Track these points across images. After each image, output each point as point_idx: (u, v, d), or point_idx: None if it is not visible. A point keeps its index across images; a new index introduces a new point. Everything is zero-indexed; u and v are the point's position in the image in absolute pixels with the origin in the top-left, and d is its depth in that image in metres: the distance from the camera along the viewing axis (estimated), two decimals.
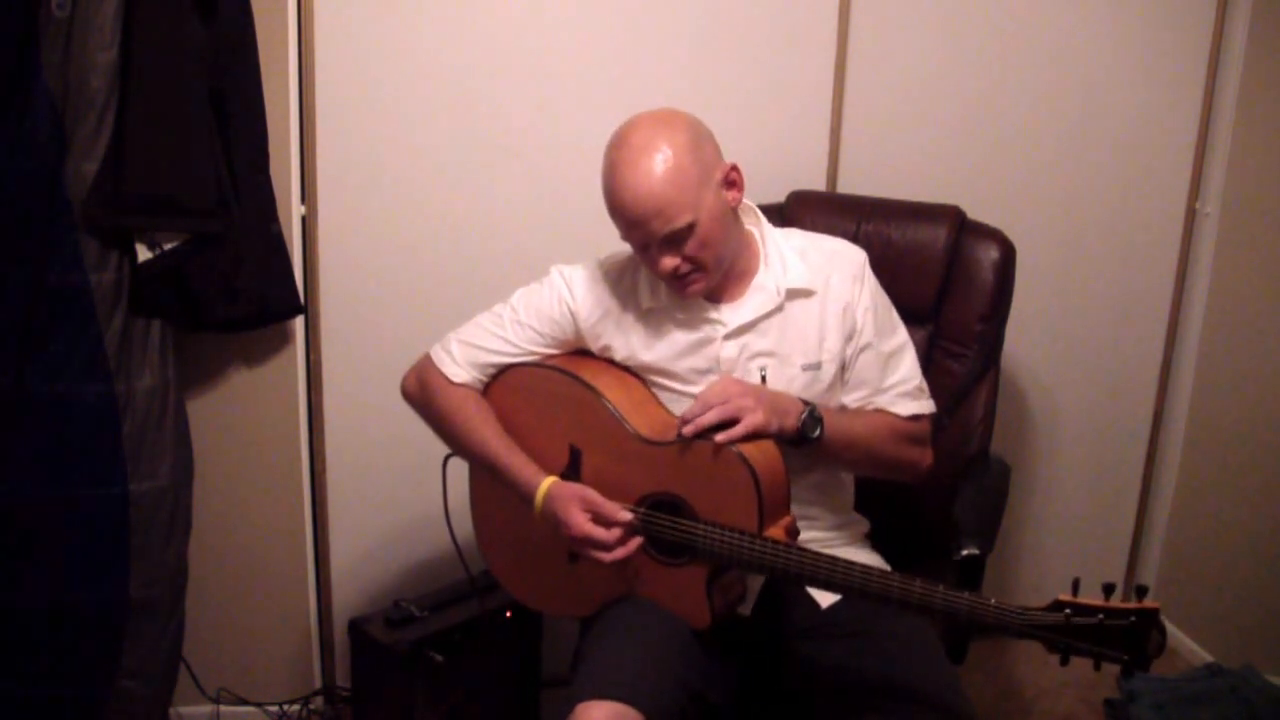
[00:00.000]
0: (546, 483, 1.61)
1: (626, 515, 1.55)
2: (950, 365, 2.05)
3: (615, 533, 1.55)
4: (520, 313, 1.70)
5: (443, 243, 2.20)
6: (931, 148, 2.34)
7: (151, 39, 1.78)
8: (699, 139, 1.55)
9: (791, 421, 1.54)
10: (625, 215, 1.53)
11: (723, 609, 1.58)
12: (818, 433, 1.56)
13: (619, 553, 1.55)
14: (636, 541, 1.56)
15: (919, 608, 1.42)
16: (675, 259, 1.54)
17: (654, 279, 1.64)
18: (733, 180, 1.59)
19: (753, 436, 1.50)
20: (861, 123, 2.30)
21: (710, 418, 1.50)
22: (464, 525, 1.83)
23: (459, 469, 1.79)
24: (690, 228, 1.52)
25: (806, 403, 1.57)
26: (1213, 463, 2.51)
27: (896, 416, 1.66)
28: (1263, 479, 2.37)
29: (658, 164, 1.50)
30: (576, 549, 1.58)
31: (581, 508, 1.56)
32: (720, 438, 1.49)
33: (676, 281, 1.58)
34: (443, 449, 1.76)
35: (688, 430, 1.52)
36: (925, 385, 1.71)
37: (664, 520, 1.56)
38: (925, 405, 1.70)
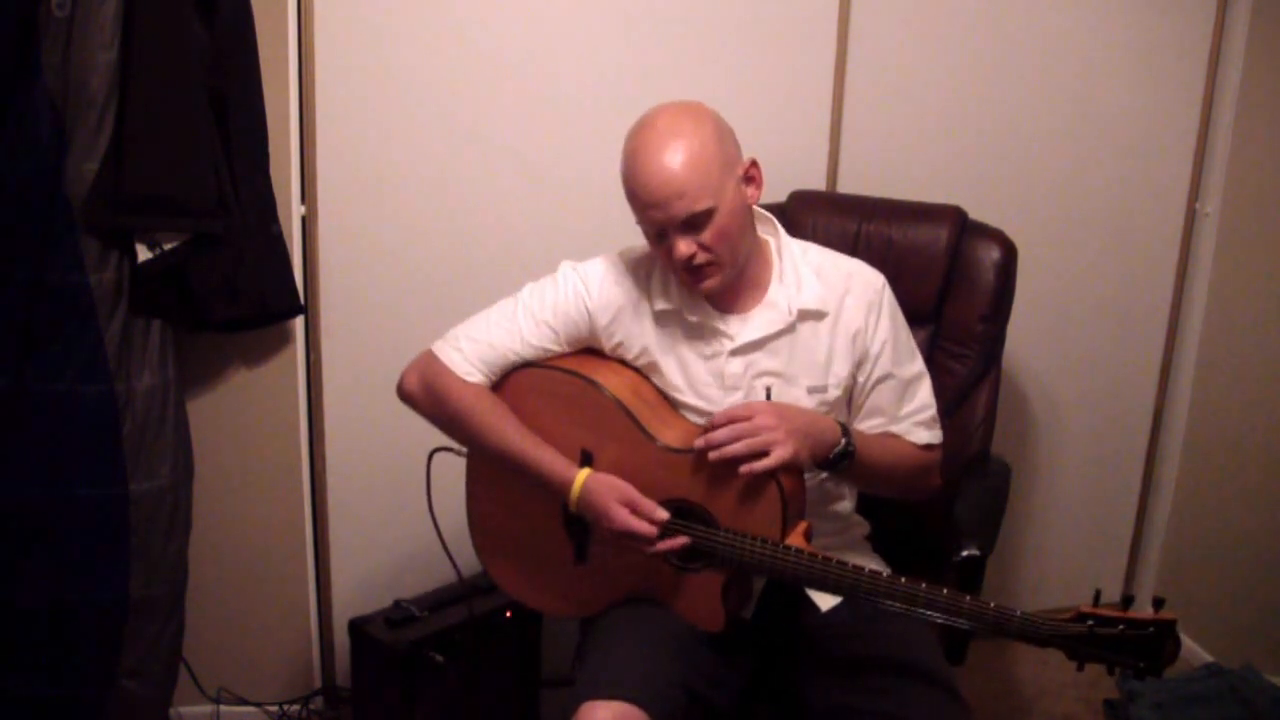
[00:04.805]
0: (583, 475, 1.58)
1: (664, 513, 1.54)
2: (951, 365, 2.05)
3: (655, 528, 1.54)
4: (535, 309, 1.66)
5: (443, 243, 2.20)
6: (931, 148, 2.34)
7: (151, 39, 1.77)
8: (722, 131, 1.55)
9: (823, 453, 1.54)
10: (646, 196, 1.51)
11: (734, 612, 1.58)
12: (844, 465, 1.56)
13: (661, 546, 1.53)
14: (683, 540, 1.54)
15: (945, 616, 1.43)
16: (692, 245, 1.52)
17: (668, 279, 1.63)
18: (752, 176, 1.58)
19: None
20: (861, 123, 2.29)
21: (738, 449, 1.48)
22: (462, 525, 1.84)
23: (451, 465, 1.78)
24: (710, 213, 1.51)
25: (845, 434, 1.56)
26: (1213, 463, 2.51)
27: (913, 445, 1.66)
28: (1263, 479, 2.37)
29: (682, 147, 1.50)
30: (615, 542, 1.56)
31: (621, 501, 1.54)
32: (744, 469, 1.48)
33: (690, 274, 1.56)
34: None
35: (713, 456, 1.50)
36: (938, 415, 1.71)
37: (693, 528, 1.54)
38: (938, 435, 1.70)
